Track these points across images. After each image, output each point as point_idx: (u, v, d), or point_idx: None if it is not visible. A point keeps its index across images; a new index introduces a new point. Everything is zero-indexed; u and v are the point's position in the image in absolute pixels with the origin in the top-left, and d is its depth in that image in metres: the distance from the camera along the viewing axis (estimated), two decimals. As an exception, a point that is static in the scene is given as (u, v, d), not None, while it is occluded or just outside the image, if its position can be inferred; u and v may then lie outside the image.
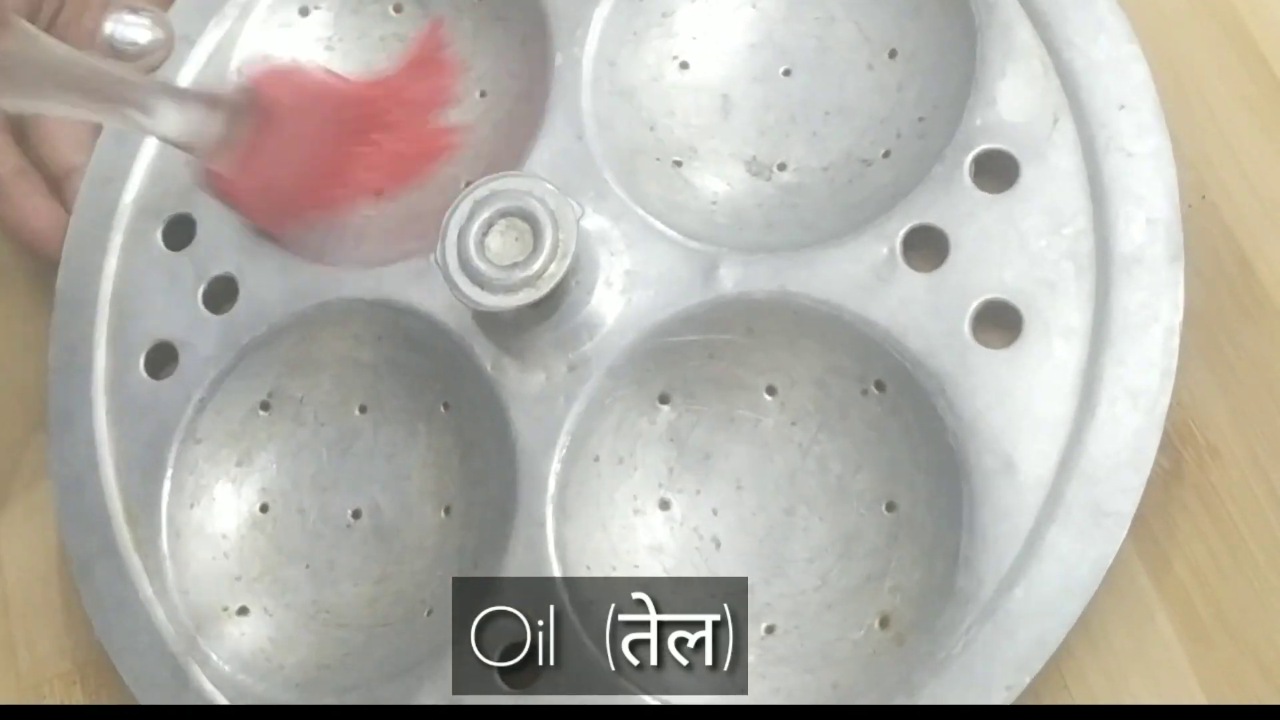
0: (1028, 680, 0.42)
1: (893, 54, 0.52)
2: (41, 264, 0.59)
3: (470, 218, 0.48)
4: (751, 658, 0.47)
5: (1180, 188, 0.45)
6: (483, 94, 0.58)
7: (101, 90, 0.47)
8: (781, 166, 0.52)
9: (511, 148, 0.53)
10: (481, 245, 0.48)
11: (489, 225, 0.48)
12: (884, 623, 0.46)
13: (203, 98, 0.51)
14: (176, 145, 0.51)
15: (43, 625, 0.57)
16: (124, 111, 0.48)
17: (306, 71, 0.55)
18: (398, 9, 0.60)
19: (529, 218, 0.48)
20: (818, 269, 0.48)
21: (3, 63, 0.38)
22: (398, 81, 0.57)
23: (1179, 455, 0.45)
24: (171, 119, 0.49)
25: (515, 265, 0.47)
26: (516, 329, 0.51)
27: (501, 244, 0.48)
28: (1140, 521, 0.42)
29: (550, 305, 0.49)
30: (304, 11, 0.60)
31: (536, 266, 0.47)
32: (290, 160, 0.53)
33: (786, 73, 0.53)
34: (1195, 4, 0.49)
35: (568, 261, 0.47)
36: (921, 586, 0.46)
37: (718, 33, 0.54)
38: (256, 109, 0.51)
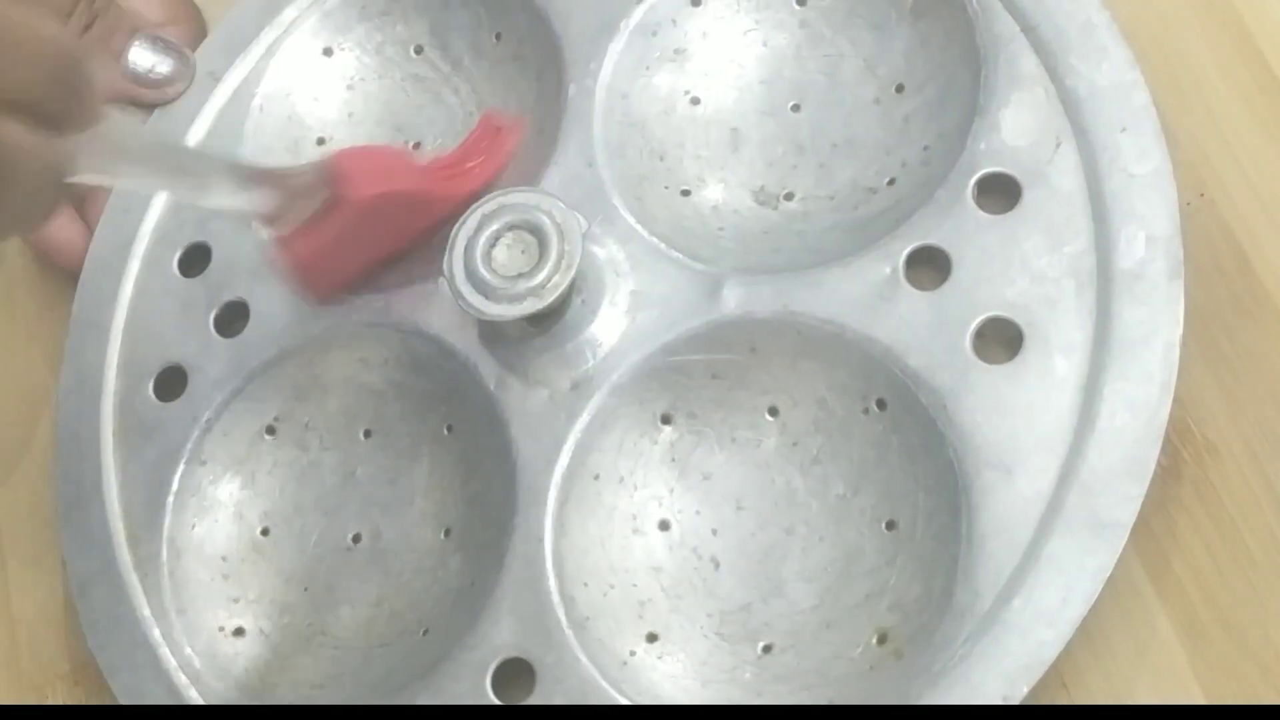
0: (1025, 690, 0.42)
1: (899, 88, 0.52)
2: (50, 279, 0.61)
3: (478, 230, 0.49)
4: (747, 676, 0.47)
5: (1178, 186, 0.45)
6: (498, 130, 0.58)
7: (172, 168, 0.48)
8: (789, 196, 0.53)
9: (523, 176, 0.54)
10: (488, 256, 0.48)
11: (496, 238, 0.49)
12: (882, 639, 0.46)
13: (272, 177, 0.50)
14: (240, 218, 0.50)
15: (46, 626, 0.57)
16: (190, 188, 0.48)
17: (386, 156, 0.54)
18: (418, 51, 0.61)
19: (535, 230, 0.48)
20: (821, 288, 0.48)
21: (89, 145, 0.40)
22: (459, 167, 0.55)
23: (1177, 453, 0.44)
24: (231, 196, 0.48)
25: (520, 276, 0.48)
26: (520, 347, 0.51)
27: (508, 256, 0.49)
28: (1138, 520, 0.42)
29: (554, 321, 0.50)
30: (328, 52, 0.61)
31: (541, 277, 0.48)
32: (354, 245, 0.52)
33: (795, 108, 0.54)
34: (1195, 4, 0.50)
35: (572, 273, 0.48)
36: (920, 602, 0.45)
37: (729, 69, 0.55)
38: (331, 191, 0.50)
